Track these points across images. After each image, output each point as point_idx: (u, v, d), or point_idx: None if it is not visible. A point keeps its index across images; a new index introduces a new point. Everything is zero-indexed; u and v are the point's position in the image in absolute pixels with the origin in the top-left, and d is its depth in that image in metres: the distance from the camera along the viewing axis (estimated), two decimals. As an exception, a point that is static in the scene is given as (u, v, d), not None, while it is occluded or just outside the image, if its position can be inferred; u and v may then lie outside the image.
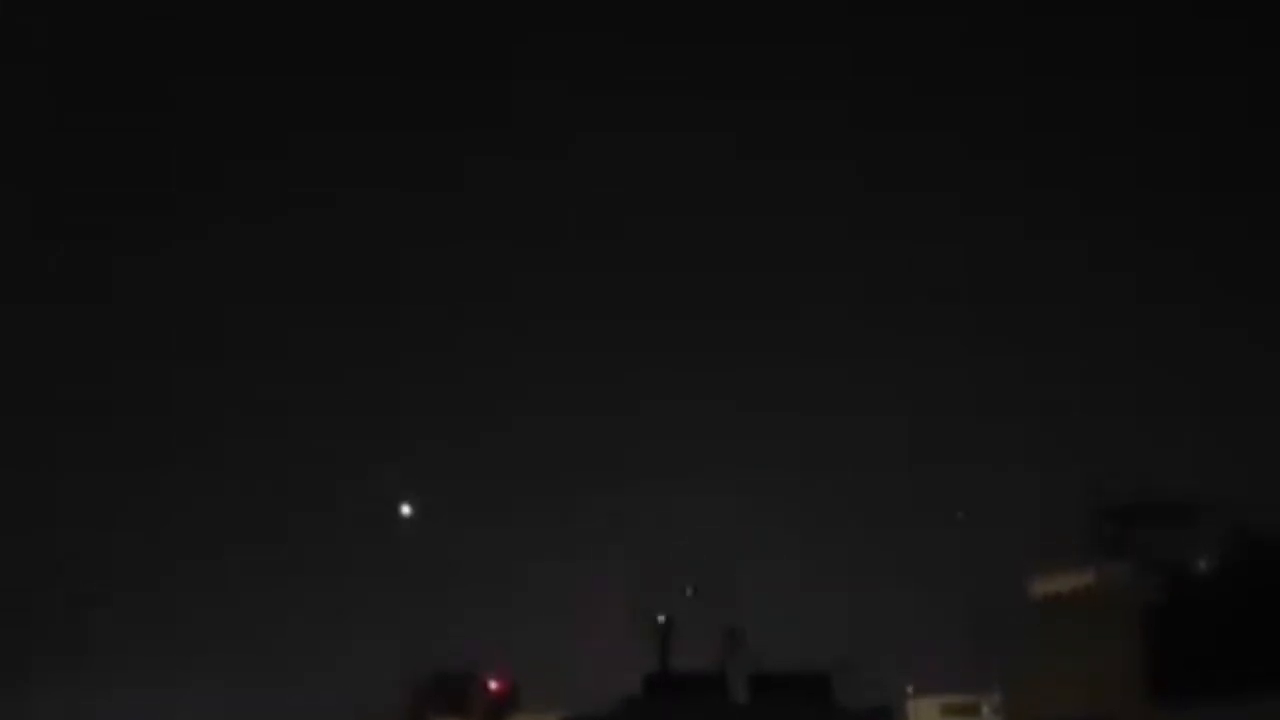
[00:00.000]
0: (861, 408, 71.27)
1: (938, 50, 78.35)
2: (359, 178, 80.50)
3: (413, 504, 66.67)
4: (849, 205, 77.55)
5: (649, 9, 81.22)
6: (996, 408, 71.40)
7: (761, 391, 74.11)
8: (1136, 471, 55.90)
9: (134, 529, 69.82)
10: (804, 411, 71.64)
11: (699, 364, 75.83)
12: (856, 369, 72.64)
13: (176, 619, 65.65)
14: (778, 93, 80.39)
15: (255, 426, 74.50)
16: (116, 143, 79.64)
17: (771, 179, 79.71)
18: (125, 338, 76.60)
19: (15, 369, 72.10)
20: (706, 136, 79.80)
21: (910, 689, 55.82)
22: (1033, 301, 75.45)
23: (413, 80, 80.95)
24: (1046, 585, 50.59)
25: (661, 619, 52.63)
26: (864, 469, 67.26)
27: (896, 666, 55.19)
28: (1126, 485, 52.55)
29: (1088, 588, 49.08)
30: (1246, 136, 75.57)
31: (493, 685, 53.63)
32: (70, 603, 63.60)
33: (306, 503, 69.74)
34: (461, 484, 69.94)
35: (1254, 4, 75.44)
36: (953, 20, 78.24)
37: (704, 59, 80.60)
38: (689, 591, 52.75)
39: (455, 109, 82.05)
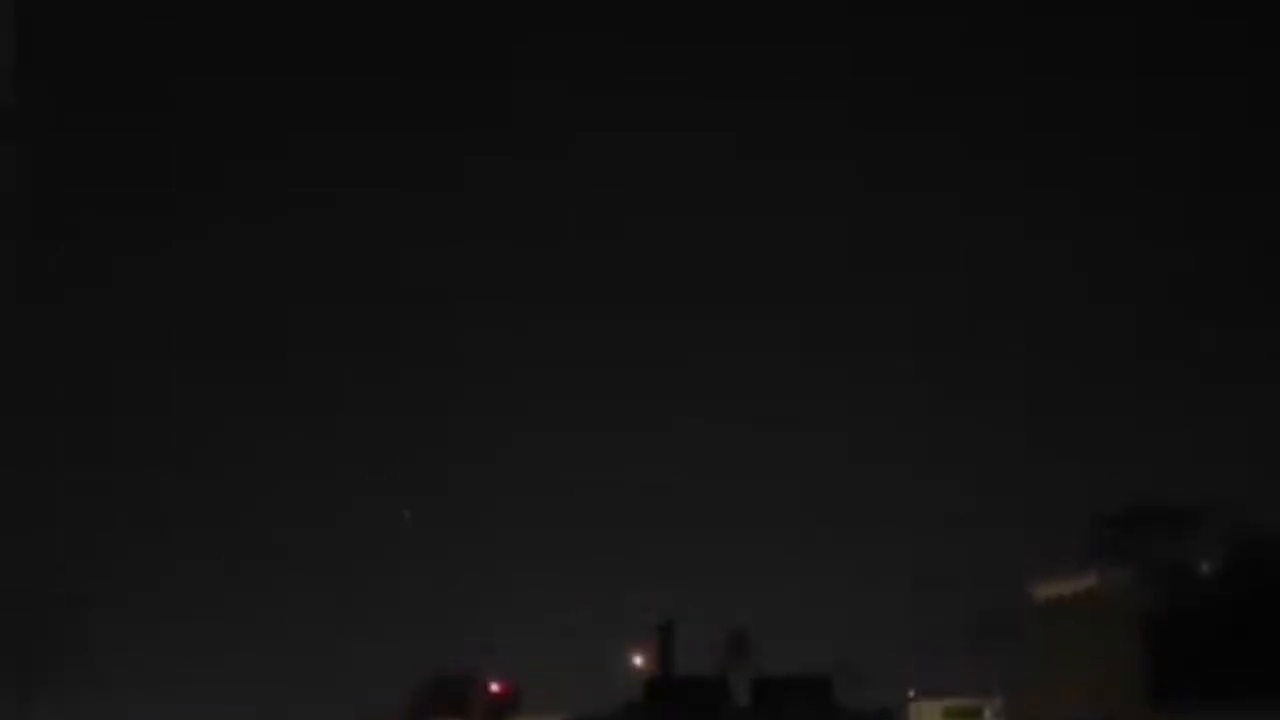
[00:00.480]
0: (862, 409, 71.27)
1: (938, 50, 78.40)
2: (359, 178, 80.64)
3: (414, 508, 66.65)
4: (849, 205, 77.64)
5: (649, 9, 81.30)
6: (998, 410, 71.39)
7: (761, 392, 74.11)
8: (1138, 475, 55.92)
9: (133, 529, 69.78)
10: (805, 413, 71.59)
11: (698, 364, 75.79)
12: (857, 370, 72.63)
13: (177, 620, 65.55)
14: (778, 93, 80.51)
15: (255, 427, 74.44)
16: (116, 143, 79.69)
17: (771, 179, 79.81)
18: (125, 338, 76.56)
19: (15, 369, 71.88)
20: (706, 136, 79.90)
21: (912, 692, 55.55)
22: (1033, 303, 75.43)
23: (413, 80, 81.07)
24: (1048, 588, 50.47)
25: (663, 623, 52.44)
26: (865, 471, 67.24)
27: (898, 669, 55.09)
28: (1128, 489, 52.58)
29: (1089, 591, 48.92)
30: (1246, 136, 75.58)
31: (494, 688, 53.36)
32: (70, 603, 63.40)
33: (307, 505, 69.68)
34: (463, 486, 69.92)
35: (1254, 4, 75.43)
36: (953, 20, 78.31)
37: (704, 59, 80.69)
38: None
39: (455, 109, 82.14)
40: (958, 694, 55.08)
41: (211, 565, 67.38)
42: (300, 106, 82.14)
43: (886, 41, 79.78)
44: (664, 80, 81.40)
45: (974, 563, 57.49)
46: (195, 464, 73.59)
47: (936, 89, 78.38)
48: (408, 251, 79.94)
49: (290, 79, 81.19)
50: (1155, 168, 76.16)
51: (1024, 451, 66.66)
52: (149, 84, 79.76)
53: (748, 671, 52.30)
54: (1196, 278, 73.47)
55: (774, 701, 50.67)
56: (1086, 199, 77.68)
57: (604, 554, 63.42)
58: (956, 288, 75.41)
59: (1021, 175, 77.67)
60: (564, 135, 79.81)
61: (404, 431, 74.15)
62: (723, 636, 54.05)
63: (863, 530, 64.82)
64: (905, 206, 77.92)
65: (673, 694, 50.85)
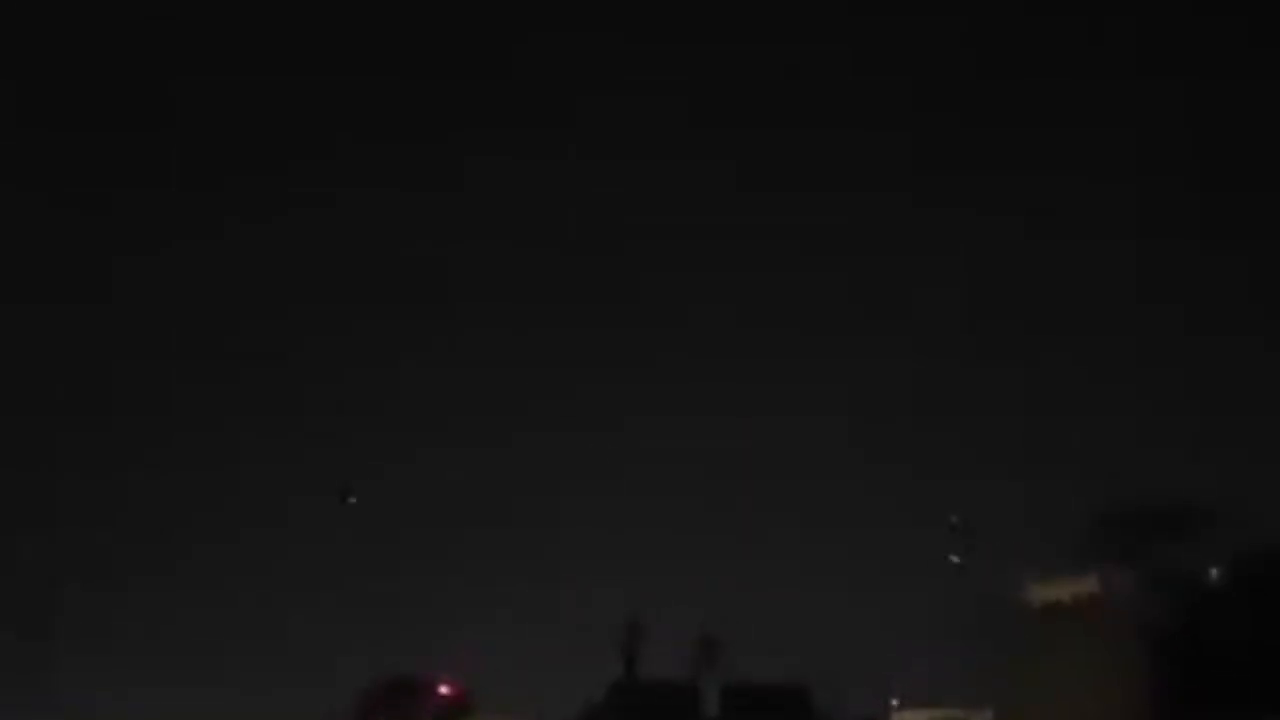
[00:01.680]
0: (853, 410, 70.10)
1: (937, 50, 77.72)
2: (359, 178, 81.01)
3: (411, 508, 66.18)
4: (849, 205, 76.93)
5: (649, 9, 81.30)
6: (996, 407, 69.96)
7: (757, 391, 73.23)
8: (1142, 475, 54.23)
9: (117, 530, 69.97)
10: (794, 417, 70.56)
11: (697, 366, 75.03)
12: (855, 369, 71.54)
13: (121, 620, 65.69)
14: (778, 93, 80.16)
15: (255, 427, 74.60)
16: (116, 143, 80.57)
17: (771, 178, 79.25)
18: (125, 338, 77.22)
19: (15, 369, 72.72)
20: (707, 135, 79.51)
21: (896, 701, 54.12)
22: (1032, 301, 74.15)
23: (413, 80, 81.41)
24: (1045, 592, 49.18)
25: (631, 622, 51.69)
26: (854, 471, 65.95)
27: (881, 677, 53.64)
28: (1131, 489, 51.12)
29: (1089, 596, 47.71)
30: (1246, 136, 74.12)
31: (444, 690, 52.77)
32: (68, 603, 63.67)
33: (302, 503, 69.57)
34: (462, 484, 69.53)
35: (1254, 4, 74.09)
36: (953, 20, 77.60)
37: (704, 59, 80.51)
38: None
39: (455, 109, 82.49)
40: (945, 704, 53.72)
41: (163, 568, 67.52)
42: (300, 107, 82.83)
43: (886, 41, 79.38)
44: (664, 80, 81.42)
45: (967, 566, 55.99)
46: (195, 463, 73.94)
47: (936, 89, 77.83)
48: (408, 251, 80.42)
49: (290, 80, 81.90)
50: (1156, 167, 74.93)
51: (1024, 452, 65.14)
52: (149, 84, 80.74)
53: (719, 677, 51.27)
54: (1203, 278, 71.92)
55: (747, 710, 49.76)
56: (1086, 199, 76.59)
57: (570, 554, 62.84)
58: (955, 288, 74.44)
59: (1022, 176, 76.76)
60: (564, 135, 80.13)
61: (398, 427, 74.10)
62: (693, 640, 52.81)
63: (854, 533, 63.52)
64: (905, 207, 77.27)
65: (639, 698, 50.21)
